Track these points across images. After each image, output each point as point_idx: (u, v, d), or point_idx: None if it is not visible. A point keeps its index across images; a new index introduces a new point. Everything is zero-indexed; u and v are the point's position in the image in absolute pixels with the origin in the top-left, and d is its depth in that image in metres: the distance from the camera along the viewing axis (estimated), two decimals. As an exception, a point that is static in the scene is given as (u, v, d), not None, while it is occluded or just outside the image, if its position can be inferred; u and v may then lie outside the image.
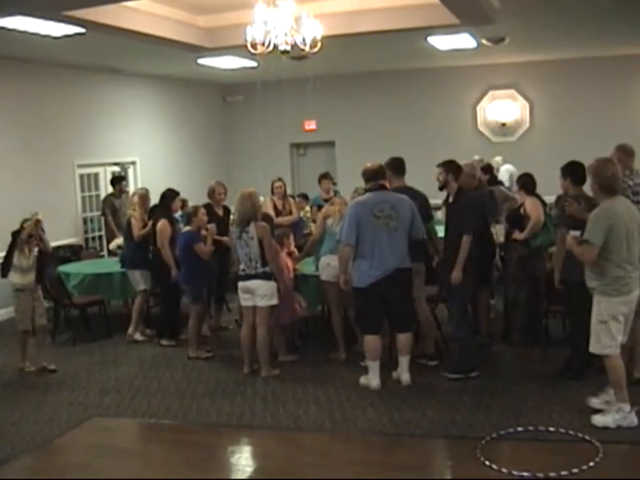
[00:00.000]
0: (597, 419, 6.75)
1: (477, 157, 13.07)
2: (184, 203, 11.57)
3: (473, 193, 8.81)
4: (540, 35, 13.01)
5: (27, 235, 8.93)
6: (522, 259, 8.98)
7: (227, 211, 10.57)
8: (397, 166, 8.64)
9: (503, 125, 17.02)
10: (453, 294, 8.31)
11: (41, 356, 9.28)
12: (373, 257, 7.79)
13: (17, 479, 6.47)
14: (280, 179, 12.33)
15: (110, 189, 13.99)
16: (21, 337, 9.17)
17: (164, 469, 6.56)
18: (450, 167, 8.43)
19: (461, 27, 11.10)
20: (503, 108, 17.01)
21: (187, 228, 9.56)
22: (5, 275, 9.05)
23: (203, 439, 7.34)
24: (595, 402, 7.09)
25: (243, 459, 6.84)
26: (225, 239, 9.64)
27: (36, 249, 9.12)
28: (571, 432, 6.56)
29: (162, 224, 9.93)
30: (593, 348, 6.78)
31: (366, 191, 8.13)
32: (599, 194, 6.75)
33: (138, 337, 10.59)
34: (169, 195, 10.24)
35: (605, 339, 6.65)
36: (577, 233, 6.76)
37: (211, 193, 10.60)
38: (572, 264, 7.70)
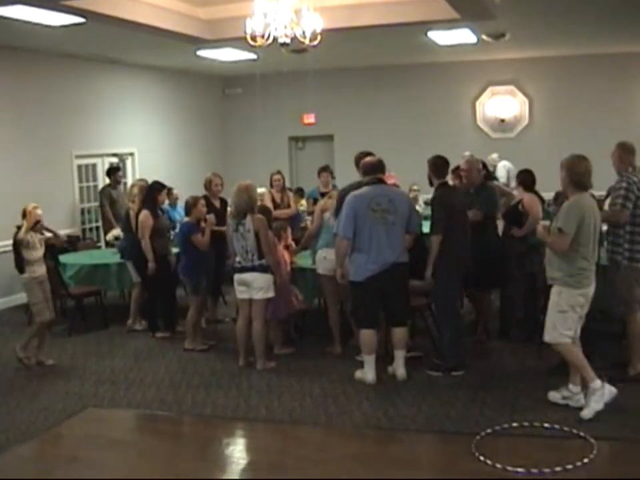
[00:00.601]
0: (584, 413, 6.83)
1: (467, 153, 12.98)
2: (169, 191, 11.59)
3: (451, 190, 8.62)
4: (540, 31, 13.02)
5: (26, 231, 8.87)
6: (519, 255, 8.98)
7: (223, 202, 10.54)
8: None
9: (502, 120, 17.02)
10: (435, 294, 8.35)
11: (42, 349, 9.25)
12: (370, 251, 7.78)
13: (11, 469, 6.47)
14: (279, 172, 12.33)
15: (107, 180, 13.97)
16: (38, 328, 9.03)
17: (159, 461, 6.56)
18: (429, 165, 8.44)
19: (461, 22, 11.08)
20: (502, 104, 17.01)
21: (186, 219, 9.54)
22: (22, 272, 8.96)
23: (198, 431, 7.36)
24: (555, 396, 7.25)
25: (238, 452, 6.84)
26: (223, 228, 9.62)
27: (42, 238, 9.07)
28: (565, 428, 6.56)
29: (143, 215, 9.93)
30: (549, 337, 6.99)
31: (364, 184, 8.08)
32: (570, 188, 6.94)
33: (138, 326, 10.60)
34: (155, 187, 10.23)
35: (561, 329, 6.88)
36: (546, 223, 7.05)
37: (208, 185, 10.59)
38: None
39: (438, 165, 8.39)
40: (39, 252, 8.98)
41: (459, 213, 8.23)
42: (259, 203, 9.29)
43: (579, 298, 6.87)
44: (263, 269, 8.50)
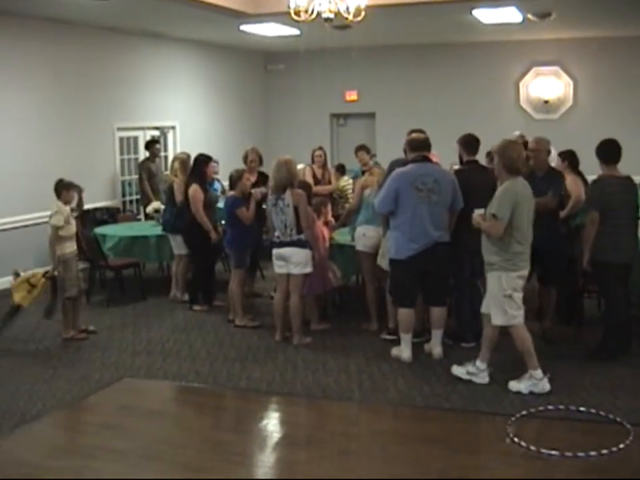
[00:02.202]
0: (512, 384, 7.10)
1: (517, 133, 12.81)
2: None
3: (478, 168, 8.53)
4: (587, 11, 12.82)
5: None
6: (561, 237, 8.88)
7: (261, 177, 10.48)
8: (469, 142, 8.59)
9: (546, 102, 16.82)
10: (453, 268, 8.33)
11: (80, 319, 9.34)
12: (413, 230, 7.72)
13: (47, 435, 6.55)
14: (320, 148, 12.32)
15: (147, 154, 14.03)
16: (66, 304, 9.05)
17: (193, 432, 6.61)
18: (461, 141, 8.53)
19: (507, 0, 10.96)
20: (546, 85, 16.80)
21: (231, 192, 9.53)
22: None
23: (232, 404, 7.42)
24: (459, 370, 7.45)
25: (272, 425, 6.86)
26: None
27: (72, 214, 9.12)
28: (601, 412, 6.51)
29: (193, 189, 9.94)
30: (500, 321, 7.09)
31: (409, 161, 8.00)
32: (503, 173, 7.08)
33: (187, 297, 10.66)
34: (202, 160, 10.23)
35: (511, 311, 7.02)
36: (482, 211, 7.08)
37: (244, 159, 10.63)
38: (604, 244, 7.66)
39: (469, 142, 8.50)
40: (73, 228, 9.03)
41: (480, 193, 7.78)
42: (299, 178, 9.27)
43: (518, 280, 7.04)
44: (301, 244, 8.50)
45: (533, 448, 5.85)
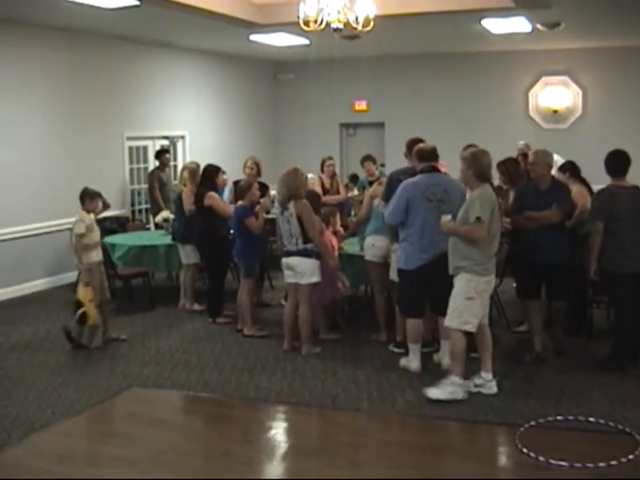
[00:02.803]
0: (431, 392, 7.17)
1: (521, 142, 12.77)
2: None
3: None
4: (596, 21, 12.81)
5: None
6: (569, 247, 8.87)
7: (260, 187, 10.45)
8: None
9: (555, 111, 16.81)
10: None
11: (109, 327, 9.36)
12: (422, 240, 7.70)
13: (55, 443, 6.55)
14: (331, 158, 12.33)
15: (157, 163, 14.06)
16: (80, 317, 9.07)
17: (201, 441, 6.62)
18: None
19: (516, 10, 10.97)
20: (555, 95, 16.79)
21: (240, 202, 9.54)
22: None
23: (241, 414, 7.39)
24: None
25: (279, 435, 6.85)
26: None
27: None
28: (610, 423, 6.49)
29: (210, 196, 9.95)
30: (453, 323, 7.14)
31: (418, 171, 8.01)
32: (473, 180, 7.20)
33: (196, 307, 10.68)
34: (211, 170, 10.24)
35: (467, 316, 7.06)
36: (449, 217, 7.23)
37: (244, 168, 10.68)
38: (612, 254, 7.66)
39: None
40: (96, 236, 9.08)
41: None
42: (306, 188, 9.28)
43: (485, 285, 7.14)
44: (307, 254, 8.50)
45: (541, 459, 5.83)
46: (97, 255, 9.07)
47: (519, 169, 9.22)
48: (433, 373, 7.87)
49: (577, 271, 8.59)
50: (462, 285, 7.11)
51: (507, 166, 9.13)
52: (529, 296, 8.32)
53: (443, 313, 7.90)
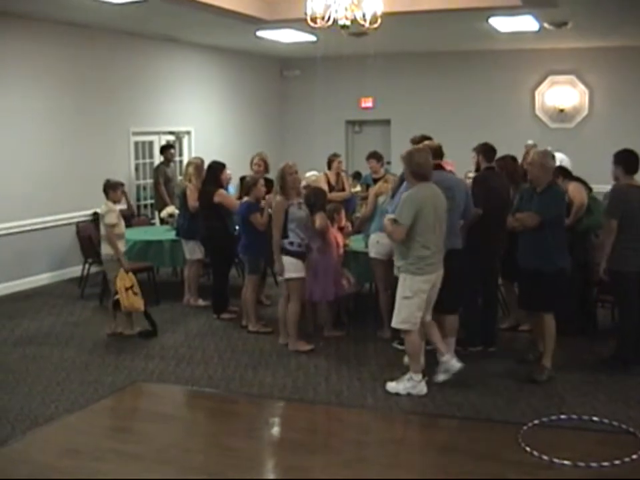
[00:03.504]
0: (390, 385, 7.38)
1: (530, 142, 12.78)
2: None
3: (495, 174, 8.63)
4: (603, 20, 12.80)
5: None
6: (569, 245, 8.83)
7: (267, 183, 10.43)
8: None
9: (561, 110, 16.80)
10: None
11: (135, 321, 9.43)
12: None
13: (60, 438, 6.57)
14: (338, 155, 12.31)
15: (162, 158, 14.06)
16: (114, 303, 9.17)
17: (205, 436, 6.63)
18: (480, 149, 8.63)
19: (523, 9, 10.96)
20: (562, 94, 16.79)
21: (246, 198, 9.53)
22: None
23: (244, 409, 7.40)
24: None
25: (283, 431, 6.86)
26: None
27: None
28: (614, 423, 6.49)
29: (220, 194, 9.96)
30: (395, 322, 7.33)
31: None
32: (410, 179, 7.25)
33: (201, 302, 10.70)
34: (216, 167, 10.22)
35: (405, 315, 7.20)
36: (392, 215, 7.21)
37: (251, 164, 10.68)
38: (621, 253, 7.65)
39: (487, 150, 8.65)
40: (123, 227, 9.21)
41: (499, 197, 8.27)
42: (303, 184, 9.35)
43: (422, 284, 7.15)
44: (284, 251, 8.55)
45: (545, 457, 5.83)
46: (123, 245, 9.23)
47: (516, 166, 9.19)
48: (436, 370, 7.86)
49: (580, 269, 8.59)
50: (400, 284, 7.26)
51: (506, 162, 9.07)
52: None
53: (446, 310, 7.92)
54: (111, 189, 9.12)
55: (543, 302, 7.63)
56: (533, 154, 8.20)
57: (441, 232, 7.23)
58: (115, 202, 9.16)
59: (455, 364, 7.39)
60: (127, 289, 8.98)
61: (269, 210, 9.19)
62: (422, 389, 7.31)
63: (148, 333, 9.28)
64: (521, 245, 7.77)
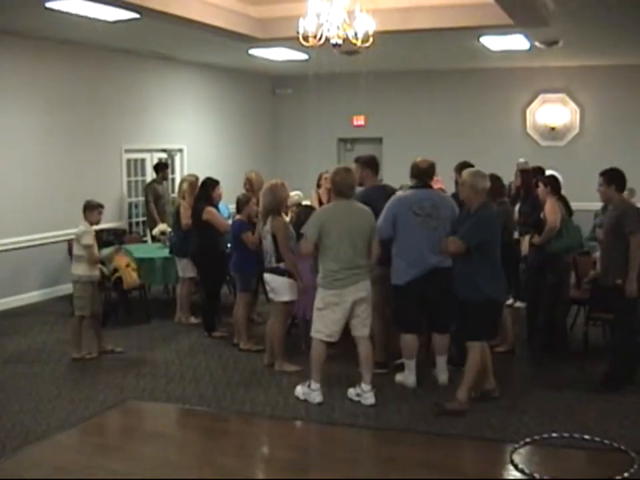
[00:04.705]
0: (297, 389, 7.73)
1: (522, 160, 12.83)
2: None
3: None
4: (594, 39, 12.87)
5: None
6: (539, 264, 8.85)
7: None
8: (372, 164, 8.72)
9: (552, 129, 16.86)
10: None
11: (103, 339, 9.37)
12: (410, 255, 7.71)
13: (51, 456, 6.54)
14: (328, 172, 12.30)
15: (155, 175, 14.05)
16: (76, 323, 9.09)
17: (196, 455, 6.59)
18: (459, 168, 8.70)
19: (514, 28, 11.01)
20: (552, 112, 16.85)
21: (238, 216, 9.53)
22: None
23: (236, 428, 7.39)
24: (351, 392, 7.68)
25: (275, 450, 6.85)
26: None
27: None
28: (606, 441, 6.49)
29: (209, 213, 9.92)
30: (311, 331, 7.64)
31: (408, 187, 8.11)
32: (332, 196, 7.78)
33: (193, 320, 10.70)
34: (209, 184, 10.21)
35: (318, 325, 7.50)
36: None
37: (244, 185, 10.67)
38: (610, 268, 7.66)
39: (465, 168, 8.34)
40: (96, 249, 9.08)
41: None
42: (292, 202, 9.35)
43: (332, 298, 7.36)
44: (279, 272, 8.42)
45: (536, 476, 5.83)
46: (94, 271, 9.06)
47: (498, 184, 9.06)
48: (428, 388, 7.88)
49: (553, 288, 8.67)
50: (316, 296, 7.54)
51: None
52: None
53: (437, 329, 7.94)
54: (88, 210, 9.01)
55: (468, 332, 7.36)
56: (463, 173, 7.61)
57: (355, 249, 7.35)
58: (92, 223, 9.05)
59: (317, 397, 7.58)
60: (126, 266, 9.00)
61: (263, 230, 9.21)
62: (315, 397, 7.56)
63: (114, 352, 9.31)
64: (454, 271, 7.53)
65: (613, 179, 7.87)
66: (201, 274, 10.34)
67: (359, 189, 8.30)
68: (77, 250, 8.99)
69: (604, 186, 7.88)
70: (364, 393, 7.52)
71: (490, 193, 8.71)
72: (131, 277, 9.01)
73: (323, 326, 7.46)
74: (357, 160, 8.78)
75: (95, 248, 9.02)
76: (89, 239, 8.88)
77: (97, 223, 9.17)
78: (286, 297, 8.45)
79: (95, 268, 9.02)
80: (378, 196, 8.23)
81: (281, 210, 8.63)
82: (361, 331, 7.54)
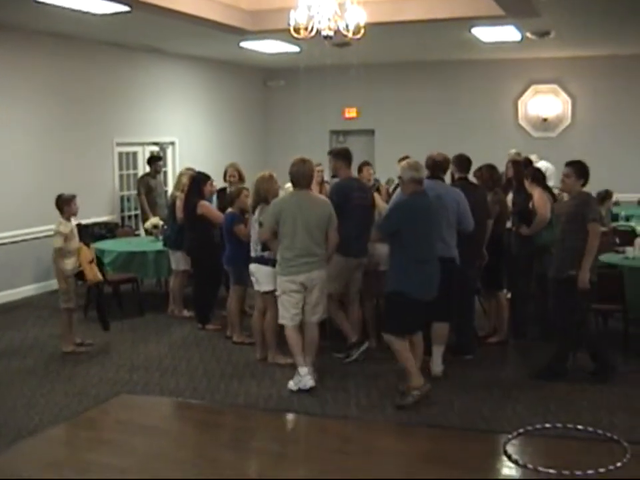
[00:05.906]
0: (290, 384, 7.72)
1: (513, 151, 12.84)
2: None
3: (468, 185, 8.64)
4: (585, 29, 12.89)
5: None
6: (528, 255, 8.87)
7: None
8: (345, 155, 8.88)
9: (544, 120, 16.88)
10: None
11: (73, 333, 9.31)
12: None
13: (44, 451, 6.53)
14: (320, 164, 12.29)
15: (147, 169, 14.02)
16: (65, 315, 9.09)
17: (189, 448, 6.60)
18: (453, 160, 8.64)
19: (505, 19, 11.01)
20: (544, 103, 16.88)
21: (229, 209, 9.51)
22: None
23: (230, 420, 7.38)
24: (290, 384, 7.76)
25: (268, 442, 6.84)
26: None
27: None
28: (599, 431, 6.50)
29: (204, 207, 9.89)
30: (279, 320, 7.93)
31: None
32: (293, 187, 8.01)
33: (186, 313, 10.68)
34: (200, 179, 10.18)
35: (282, 311, 7.80)
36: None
37: (224, 175, 10.66)
38: (567, 260, 7.63)
39: (462, 160, 8.70)
40: (76, 243, 9.02)
41: (472, 207, 8.08)
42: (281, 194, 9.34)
43: (287, 284, 7.64)
44: (263, 261, 8.42)
45: (530, 466, 5.85)
46: (73, 262, 8.98)
47: (494, 175, 9.14)
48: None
49: (539, 278, 8.73)
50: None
51: (482, 172, 9.10)
52: None
53: (437, 318, 7.88)
54: (65, 204, 8.93)
55: (384, 323, 7.59)
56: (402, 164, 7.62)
57: (311, 238, 7.58)
58: (71, 216, 8.99)
59: (308, 382, 7.65)
60: (89, 262, 8.98)
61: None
62: (307, 382, 7.62)
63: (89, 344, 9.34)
64: None
65: (583, 173, 7.80)
66: (196, 268, 10.31)
67: (333, 180, 8.94)
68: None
69: (573, 177, 7.78)
70: (302, 377, 7.65)
71: (484, 183, 8.79)
72: (92, 272, 8.97)
73: (285, 311, 7.74)
74: (330, 152, 9.18)
75: (74, 242, 8.96)
76: (58, 242, 8.80)
77: (75, 214, 9.10)
78: (271, 286, 8.35)
79: (68, 261, 8.94)
80: (350, 187, 8.62)
81: (270, 200, 8.61)
82: (310, 318, 7.78)
